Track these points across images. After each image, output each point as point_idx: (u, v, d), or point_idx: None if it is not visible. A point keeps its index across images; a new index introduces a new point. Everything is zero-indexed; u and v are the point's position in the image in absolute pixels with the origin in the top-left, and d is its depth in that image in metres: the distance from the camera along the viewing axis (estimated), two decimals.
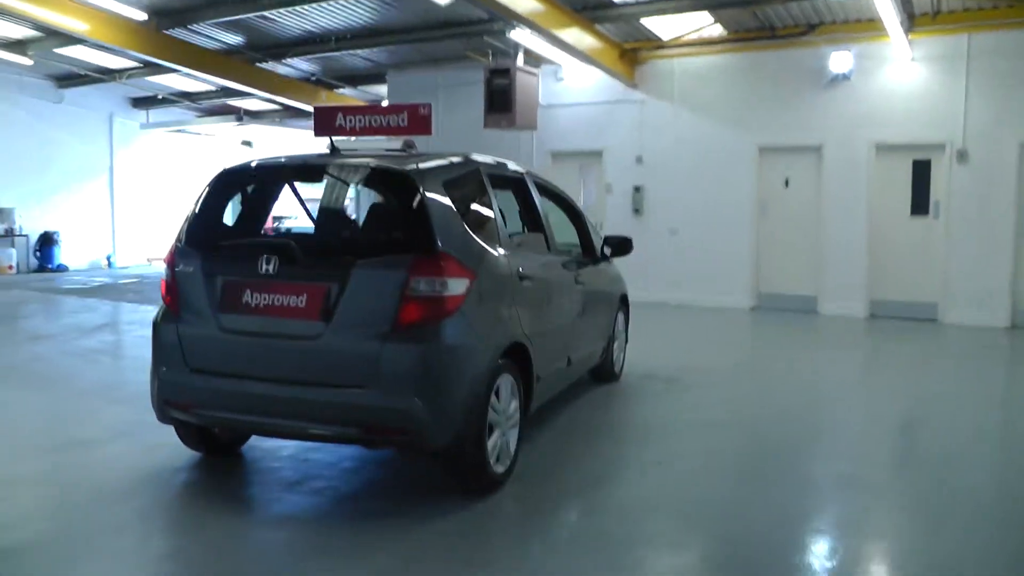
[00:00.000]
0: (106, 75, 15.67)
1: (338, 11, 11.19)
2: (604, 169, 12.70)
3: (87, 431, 5.18)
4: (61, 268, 16.74)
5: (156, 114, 19.30)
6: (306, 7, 10.85)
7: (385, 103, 15.45)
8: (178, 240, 4.19)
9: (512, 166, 5.20)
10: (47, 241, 16.59)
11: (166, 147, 19.91)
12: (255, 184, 4.43)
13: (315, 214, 4.71)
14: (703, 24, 10.71)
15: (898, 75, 10.46)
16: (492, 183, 4.84)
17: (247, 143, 21.86)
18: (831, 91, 10.81)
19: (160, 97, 18.10)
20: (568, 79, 12.87)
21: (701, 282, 11.85)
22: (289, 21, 11.85)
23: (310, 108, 17.29)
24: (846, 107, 10.73)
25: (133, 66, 14.86)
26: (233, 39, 13.07)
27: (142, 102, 18.83)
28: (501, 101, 11.34)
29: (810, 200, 11.19)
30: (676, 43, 11.66)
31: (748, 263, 11.60)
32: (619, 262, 12.13)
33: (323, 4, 10.71)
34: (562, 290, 5.21)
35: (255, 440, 4.77)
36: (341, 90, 16.76)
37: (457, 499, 3.98)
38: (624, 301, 6.92)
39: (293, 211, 4.57)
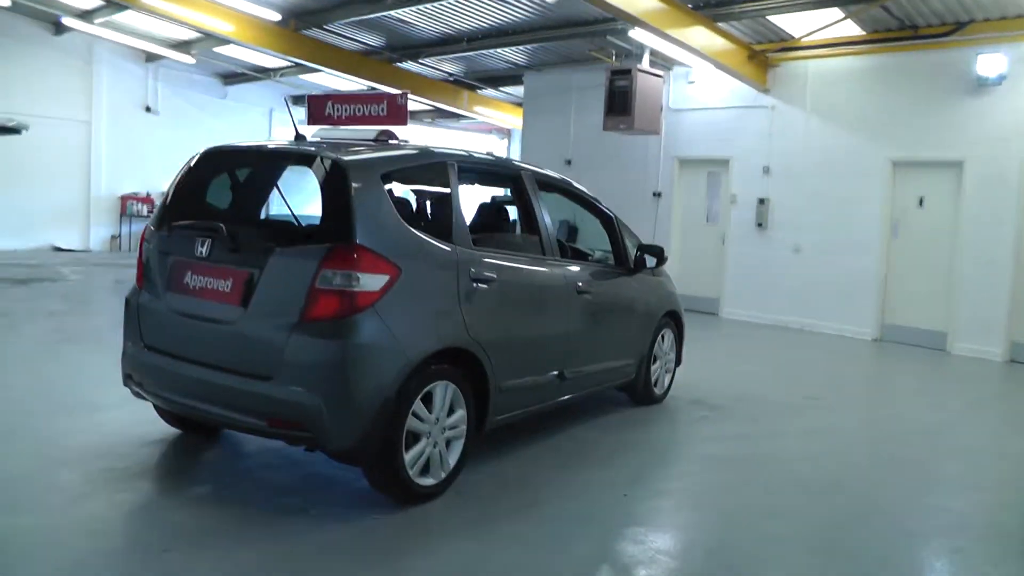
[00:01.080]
0: (262, 73, 16.90)
1: (467, 10, 11.29)
2: (731, 178, 11.93)
3: (107, 395, 5.36)
4: None
5: None
6: (431, 5, 11.04)
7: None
8: (151, 221, 4.34)
9: (509, 163, 4.93)
10: None
11: None
12: (223, 169, 4.46)
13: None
14: (834, 19, 9.69)
15: None
16: (476, 180, 4.61)
17: (404, 141, 22.71)
18: (977, 99, 9.37)
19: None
20: (699, 82, 12.20)
21: (823, 306, 10.78)
22: (421, 22, 12.12)
23: (455, 109, 17.72)
24: (994, 117, 9.27)
25: (285, 65, 15.89)
26: (372, 40, 13.60)
27: (301, 99, 20.07)
28: (621, 103, 11.07)
29: (947, 223, 9.79)
30: (809, 44, 10.67)
31: (874, 290, 10.37)
32: (739, 279, 11.67)
33: (448, 2, 10.84)
34: (550, 298, 4.83)
35: None
36: (483, 91, 17.00)
37: (386, 506, 3.82)
38: (673, 318, 6.36)
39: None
